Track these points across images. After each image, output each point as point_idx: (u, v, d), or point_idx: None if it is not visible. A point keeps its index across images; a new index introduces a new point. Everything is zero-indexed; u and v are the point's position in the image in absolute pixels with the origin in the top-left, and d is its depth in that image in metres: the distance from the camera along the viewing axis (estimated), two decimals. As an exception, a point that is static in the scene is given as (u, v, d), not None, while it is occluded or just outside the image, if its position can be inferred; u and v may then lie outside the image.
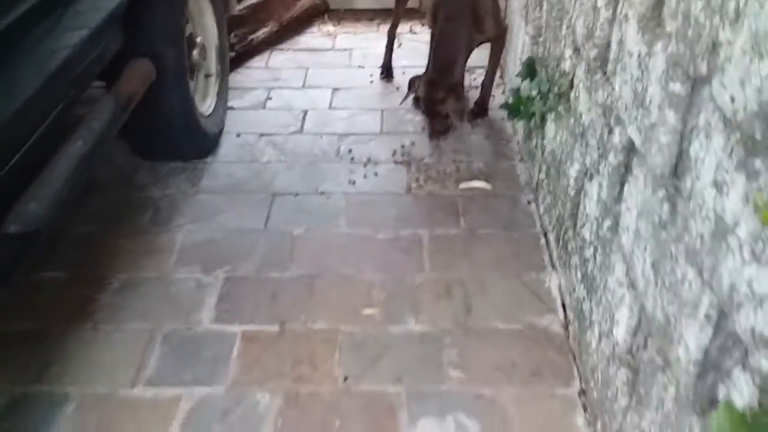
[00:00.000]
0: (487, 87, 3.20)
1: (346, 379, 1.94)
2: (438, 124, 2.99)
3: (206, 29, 2.97)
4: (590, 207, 1.85)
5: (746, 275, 0.98)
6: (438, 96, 2.91)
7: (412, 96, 3.10)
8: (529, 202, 2.65)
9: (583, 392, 1.87)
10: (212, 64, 3.03)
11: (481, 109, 3.20)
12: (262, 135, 3.12)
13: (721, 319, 1.09)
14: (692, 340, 1.17)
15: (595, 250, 1.80)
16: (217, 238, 2.47)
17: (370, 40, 4.03)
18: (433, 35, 3.07)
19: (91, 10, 2.06)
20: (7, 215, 1.47)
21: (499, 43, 3.13)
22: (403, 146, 2.99)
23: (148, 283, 2.26)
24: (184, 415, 1.82)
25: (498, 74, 3.34)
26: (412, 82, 3.08)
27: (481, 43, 3.08)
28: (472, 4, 2.92)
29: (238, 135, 3.11)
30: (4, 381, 1.90)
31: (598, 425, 1.73)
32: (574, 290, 2.02)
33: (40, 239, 1.66)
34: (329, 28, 4.27)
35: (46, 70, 1.76)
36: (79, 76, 2.01)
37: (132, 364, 1.97)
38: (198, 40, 2.84)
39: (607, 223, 1.70)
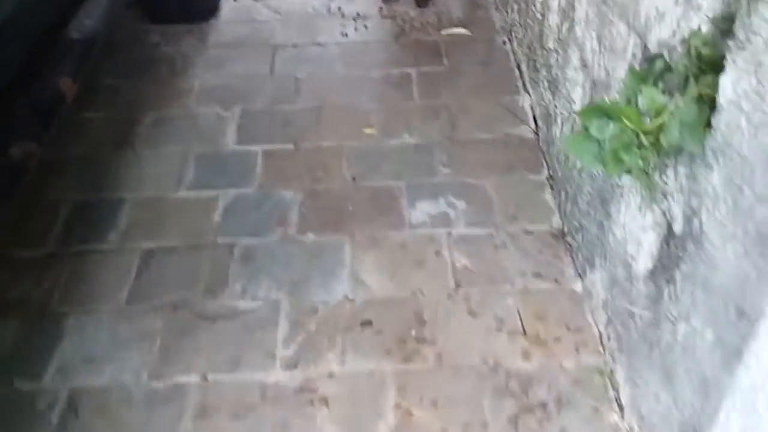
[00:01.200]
0: None
1: (354, 179, 2.32)
2: None
3: None
4: (552, 18, 2.19)
5: (655, 4, 1.35)
6: None
7: None
8: (504, 42, 2.98)
9: (550, 176, 2.28)
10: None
11: None
12: (257, -1, 3.38)
13: (644, 52, 1.46)
14: (622, 72, 1.54)
15: (557, 53, 2.15)
16: (229, 83, 2.79)
17: None
18: None
19: None
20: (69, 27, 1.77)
21: None
22: (388, 3, 3.27)
23: (176, 119, 2.60)
24: (224, 206, 2.21)
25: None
26: None
27: None
28: None
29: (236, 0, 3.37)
30: (67, 192, 2.26)
31: (561, 195, 2.14)
32: (542, 99, 2.39)
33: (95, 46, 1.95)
34: None
35: None
36: None
37: (172, 176, 2.34)
38: None
39: (565, 26, 2.05)
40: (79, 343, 1.81)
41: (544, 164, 2.34)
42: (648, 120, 1.22)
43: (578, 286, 1.91)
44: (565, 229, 2.08)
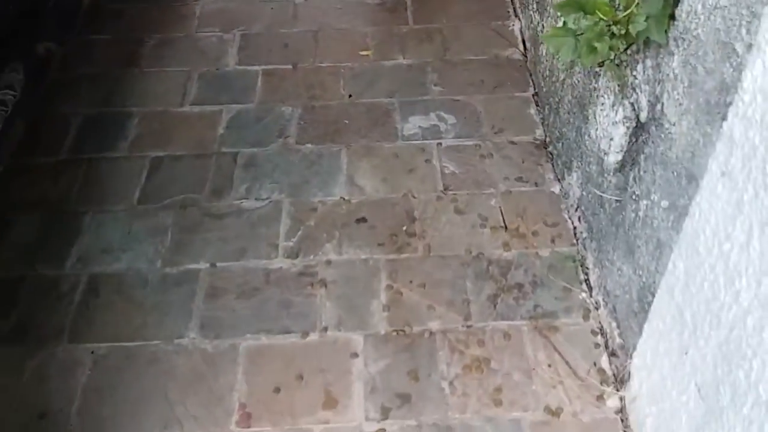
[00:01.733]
0: None
1: (350, 96, 2.45)
2: None
3: None
4: (541, -60, 2.29)
5: None
6: None
7: None
8: (495, -29, 3.07)
9: (536, 93, 2.41)
10: None
11: None
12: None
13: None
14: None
15: (545, -27, 2.26)
16: (229, 8, 2.88)
17: None
18: None
19: None
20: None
21: None
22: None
23: (179, 41, 2.70)
24: (227, 120, 2.34)
25: None
26: None
27: None
28: None
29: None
30: (78, 106, 2.39)
31: (545, 109, 2.28)
32: (531, 22, 2.50)
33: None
34: None
35: None
36: None
37: (178, 92, 2.46)
38: None
39: (553, -56, 2.15)
40: (96, 237, 1.96)
41: (531, 83, 2.46)
42: (618, 12, 1.35)
43: (557, 189, 2.07)
44: (547, 140, 2.23)
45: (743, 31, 1.03)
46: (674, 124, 1.30)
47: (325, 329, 1.72)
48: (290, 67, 2.58)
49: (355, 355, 1.67)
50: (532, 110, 2.36)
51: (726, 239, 1.04)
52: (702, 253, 1.14)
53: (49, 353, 1.68)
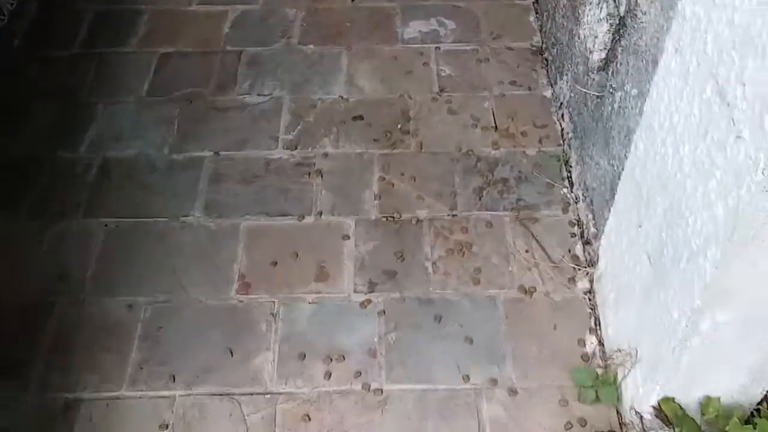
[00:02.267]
0: None
1: (353, 0, 2.49)
2: None
3: None
4: None
5: None
6: None
7: None
8: None
9: (535, 1, 2.44)
10: None
11: None
12: None
13: None
14: None
15: None
16: None
17: None
18: None
19: None
20: None
21: None
22: None
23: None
24: (232, 19, 2.41)
25: None
26: None
27: None
28: None
29: None
30: (90, 2, 2.45)
31: (543, 16, 2.32)
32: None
33: None
34: None
35: None
36: None
37: (185, -4, 2.52)
38: None
39: None
40: (108, 125, 2.08)
41: (532, -8, 2.50)
42: None
43: (548, 93, 2.14)
44: (543, 46, 2.28)
45: None
46: (645, 13, 1.37)
47: (320, 213, 1.85)
48: (295, -31, 2.62)
49: (347, 236, 1.80)
50: (531, 18, 2.40)
51: (675, 111, 1.13)
52: (656, 129, 1.24)
53: (66, 226, 1.82)
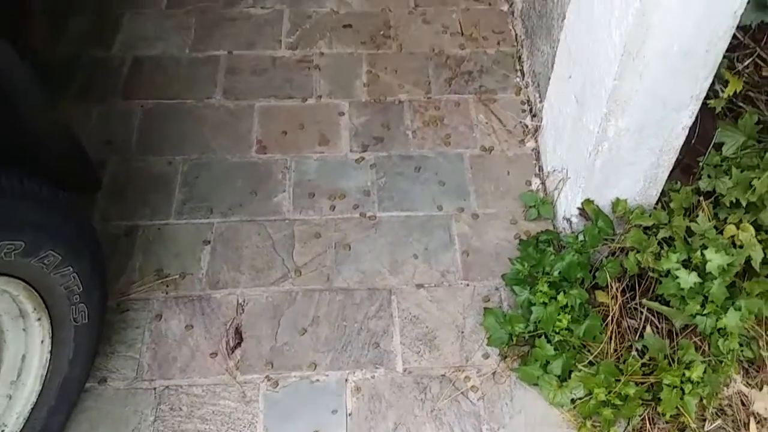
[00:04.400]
0: None
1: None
2: None
3: None
4: None
5: None
6: None
7: None
8: None
9: (495, -63, 2.86)
10: None
11: None
12: None
13: None
14: None
15: None
16: None
17: None
18: None
19: None
20: None
21: None
22: None
23: None
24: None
25: None
26: None
27: None
28: None
29: None
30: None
31: None
32: None
33: None
34: None
35: None
36: None
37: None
38: None
39: None
40: (135, 29, 2.44)
41: (493, -69, 2.91)
42: None
43: (505, 7, 2.57)
44: (502, -28, 2.71)
45: None
46: None
47: (320, 97, 2.26)
48: None
49: (342, 113, 2.21)
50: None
51: (591, -25, 1.58)
52: (581, 1, 1.68)
53: (109, 106, 2.19)
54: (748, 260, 1.54)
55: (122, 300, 1.78)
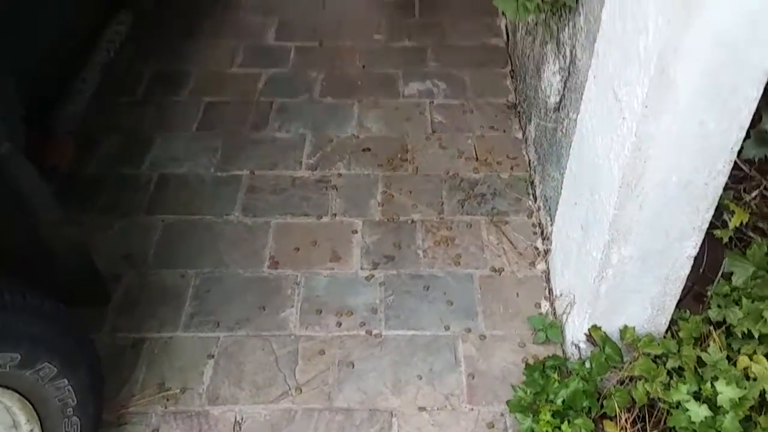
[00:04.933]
0: None
1: (364, 66, 3.08)
2: None
3: None
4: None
5: None
6: None
7: None
8: (490, -19, 3.71)
9: (512, 70, 3.02)
10: None
11: None
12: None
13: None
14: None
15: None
16: (268, 1, 3.55)
17: None
18: None
19: None
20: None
21: None
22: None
23: (229, 22, 3.36)
24: (266, 79, 2.98)
25: None
26: None
27: None
28: None
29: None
30: (150, 65, 3.03)
31: (517, 80, 2.89)
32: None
33: None
34: None
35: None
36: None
37: (227, 59, 3.10)
38: None
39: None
40: (164, 150, 2.59)
41: (509, 62, 3.08)
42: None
43: (519, 135, 2.67)
44: (516, 102, 2.83)
45: None
46: (581, 59, 1.91)
47: (334, 215, 2.32)
48: (317, 44, 3.22)
49: (355, 231, 2.26)
50: (508, 82, 2.97)
51: (593, 114, 1.64)
52: (584, 132, 1.74)
53: (131, 221, 2.29)
54: (763, 393, 1.47)
55: (122, 413, 1.76)
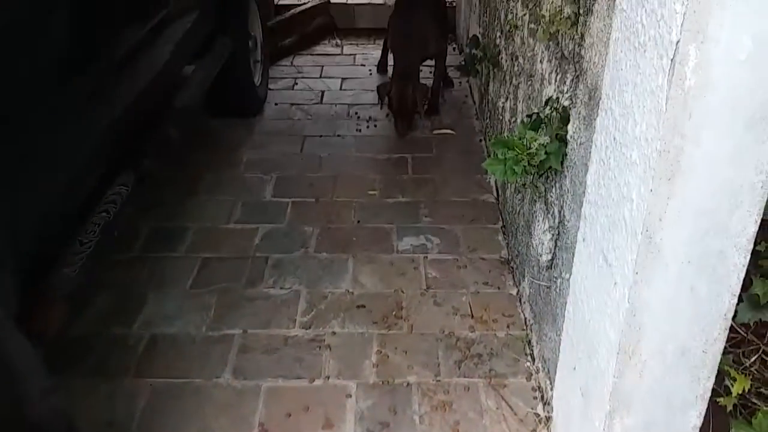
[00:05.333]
0: (435, 91, 4.21)
1: (359, 221, 3.14)
2: (405, 122, 3.95)
3: (255, 30, 4.26)
4: (505, 116, 3.10)
5: (546, 94, 2.23)
6: (407, 90, 3.86)
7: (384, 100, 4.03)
8: (480, 140, 3.90)
9: (503, 226, 3.09)
10: (258, 53, 4.31)
11: (433, 108, 4.18)
12: (293, 104, 4.39)
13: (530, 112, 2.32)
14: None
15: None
16: (269, 157, 3.70)
17: (369, 49, 5.34)
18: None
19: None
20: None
21: (441, 59, 4.27)
22: (394, 109, 4.25)
23: (229, 179, 3.48)
24: (262, 234, 3.03)
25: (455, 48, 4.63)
26: (380, 88, 4.05)
27: (427, 58, 4.19)
28: (421, 30, 4.05)
29: (276, 104, 4.38)
30: (148, 221, 3.09)
31: (509, 236, 2.94)
32: (501, 173, 3.24)
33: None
34: (337, 41, 5.57)
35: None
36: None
37: (224, 214, 3.17)
38: (252, 34, 4.13)
39: (512, 118, 2.95)
40: (157, 309, 2.56)
41: (500, 218, 3.15)
42: (529, 148, 2.05)
43: (514, 291, 2.66)
44: (509, 257, 2.86)
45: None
46: (569, 220, 1.95)
47: (328, 377, 2.25)
48: (313, 200, 3.31)
49: (349, 395, 2.18)
50: (500, 237, 3.02)
51: (584, 278, 1.64)
52: (577, 293, 1.74)
53: (118, 383, 2.21)
54: None
55: None
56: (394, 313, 2.55)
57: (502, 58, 3.24)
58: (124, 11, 2.41)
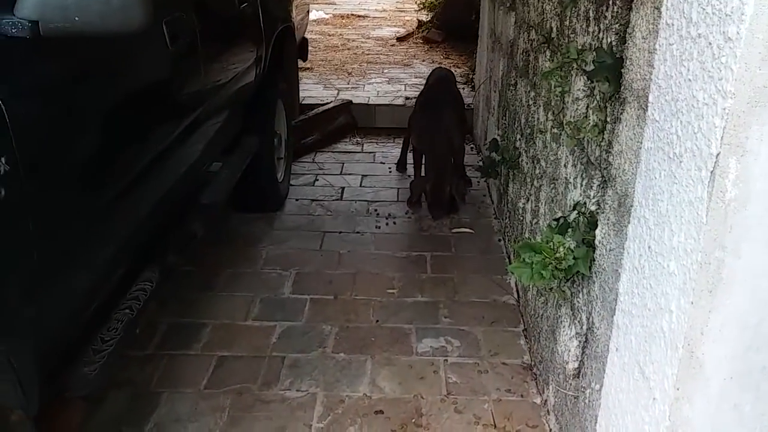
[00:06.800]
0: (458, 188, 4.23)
1: (377, 321, 3.09)
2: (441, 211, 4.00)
3: (281, 128, 4.38)
4: (527, 217, 3.10)
5: (572, 199, 2.23)
6: (444, 185, 3.97)
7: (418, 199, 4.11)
8: (499, 240, 3.89)
9: (525, 329, 3.01)
10: (282, 150, 4.41)
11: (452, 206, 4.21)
12: (313, 200, 4.44)
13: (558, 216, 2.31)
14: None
15: (533, 215, 3.03)
16: (288, 253, 3.70)
17: (389, 147, 5.46)
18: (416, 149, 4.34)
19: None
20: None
21: (460, 157, 4.44)
22: (414, 207, 4.27)
23: (247, 275, 3.46)
24: (279, 332, 2.97)
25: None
26: (414, 185, 4.16)
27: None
28: (446, 127, 4.19)
29: (297, 200, 4.43)
30: (165, 315, 3.06)
31: (531, 341, 2.86)
32: (522, 275, 3.20)
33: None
34: (358, 139, 5.70)
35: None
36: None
37: (243, 311, 3.14)
38: (278, 132, 4.24)
39: (534, 220, 2.95)
40: (170, 410, 2.48)
41: (521, 321, 3.08)
42: (558, 253, 2.03)
43: (538, 400, 2.56)
44: (532, 363, 2.77)
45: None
46: (599, 328, 1.89)
47: (344, 489, 2.14)
48: (332, 297, 3.28)
49: None
50: (522, 341, 2.94)
51: (619, 391, 1.57)
52: (610, 408, 1.66)
53: (125, 491, 2.11)
54: None
55: None
56: (413, 420, 2.45)
57: (522, 160, 3.29)
58: (159, 111, 2.48)
